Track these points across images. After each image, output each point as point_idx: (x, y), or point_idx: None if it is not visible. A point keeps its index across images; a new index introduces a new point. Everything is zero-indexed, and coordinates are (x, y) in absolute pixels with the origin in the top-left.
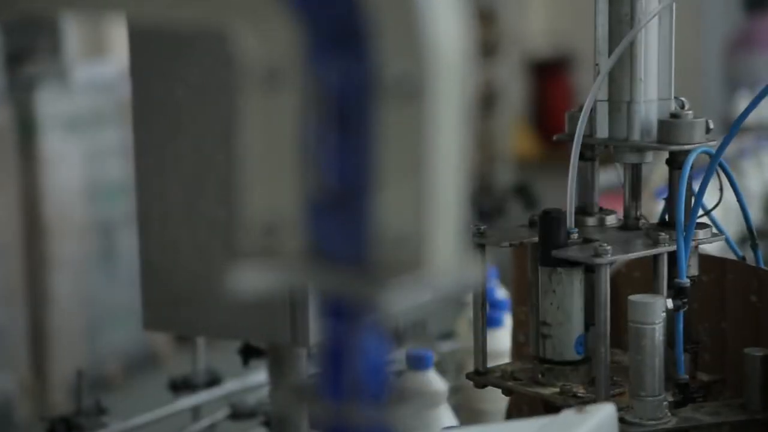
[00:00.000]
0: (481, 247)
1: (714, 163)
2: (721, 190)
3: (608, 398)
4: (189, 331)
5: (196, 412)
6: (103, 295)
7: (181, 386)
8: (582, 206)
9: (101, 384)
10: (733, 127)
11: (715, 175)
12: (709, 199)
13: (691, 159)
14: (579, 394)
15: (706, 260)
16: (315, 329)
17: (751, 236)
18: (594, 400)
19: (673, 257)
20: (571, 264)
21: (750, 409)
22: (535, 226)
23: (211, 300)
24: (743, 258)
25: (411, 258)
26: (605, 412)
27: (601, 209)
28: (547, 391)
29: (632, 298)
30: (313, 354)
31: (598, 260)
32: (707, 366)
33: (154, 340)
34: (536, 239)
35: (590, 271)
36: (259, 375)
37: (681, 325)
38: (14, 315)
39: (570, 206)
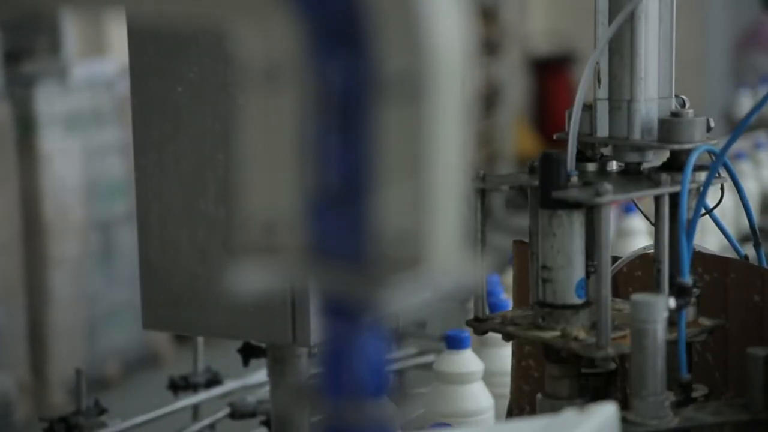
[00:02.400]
0: (481, 191)
1: (718, 163)
2: (722, 189)
3: (609, 341)
4: (189, 331)
5: (195, 411)
6: (103, 295)
7: (180, 386)
8: (583, 151)
9: (101, 384)
10: (738, 128)
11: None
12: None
13: (693, 158)
14: (580, 338)
15: (708, 259)
16: (315, 329)
17: (753, 235)
18: (595, 343)
19: (674, 199)
20: (572, 206)
21: (752, 409)
22: (536, 173)
23: (210, 299)
24: (746, 257)
25: (411, 256)
26: (607, 412)
27: (602, 155)
28: (548, 335)
29: (634, 297)
30: (314, 354)
31: (599, 200)
32: (709, 365)
33: (153, 340)
34: (536, 183)
35: (591, 214)
36: (259, 375)
37: (683, 325)
38: (13, 314)
39: (571, 147)
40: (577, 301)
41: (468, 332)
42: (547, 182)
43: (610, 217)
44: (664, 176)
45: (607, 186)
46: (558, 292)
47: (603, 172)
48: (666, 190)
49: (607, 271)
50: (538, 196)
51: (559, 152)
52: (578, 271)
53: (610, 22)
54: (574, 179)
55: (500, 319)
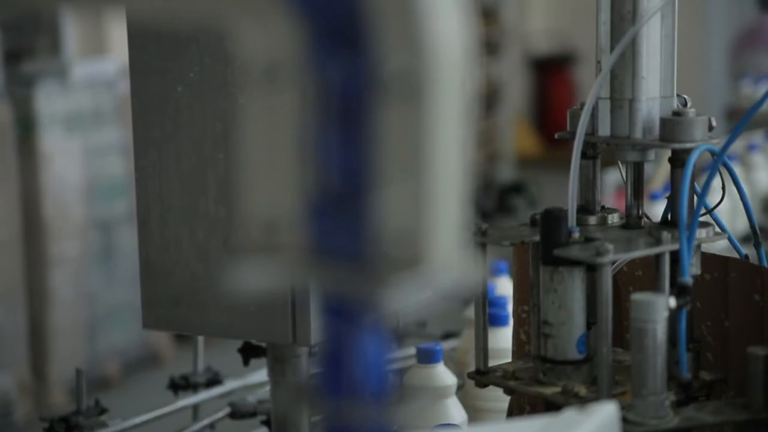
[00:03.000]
0: (483, 246)
1: (718, 162)
2: (723, 188)
3: (610, 398)
4: (189, 330)
5: (196, 411)
6: (103, 294)
7: (181, 385)
8: (584, 205)
9: (101, 383)
10: (737, 126)
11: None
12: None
13: (694, 157)
14: (581, 394)
15: (708, 259)
16: (316, 329)
17: (754, 235)
18: (596, 400)
19: (675, 256)
20: (573, 263)
21: (753, 408)
22: (537, 225)
23: (211, 299)
24: (746, 256)
25: (412, 256)
26: (607, 412)
27: (603, 207)
28: (549, 390)
29: (635, 296)
30: (314, 353)
31: (600, 259)
32: (710, 365)
33: (153, 339)
34: (538, 238)
35: (592, 270)
36: (259, 374)
37: (684, 324)
38: (13, 314)
39: (572, 205)
40: (578, 356)
41: (441, 345)
42: (548, 239)
43: (611, 275)
44: (665, 234)
45: (608, 245)
46: (559, 347)
47: (604, 226)
48: (667, 248)
49: (608, 327)
50: (540, 253)
51: (560, 209)
52: (579, 327)
53: (611, 21)
54: (576, 235)
55: (501, 373)
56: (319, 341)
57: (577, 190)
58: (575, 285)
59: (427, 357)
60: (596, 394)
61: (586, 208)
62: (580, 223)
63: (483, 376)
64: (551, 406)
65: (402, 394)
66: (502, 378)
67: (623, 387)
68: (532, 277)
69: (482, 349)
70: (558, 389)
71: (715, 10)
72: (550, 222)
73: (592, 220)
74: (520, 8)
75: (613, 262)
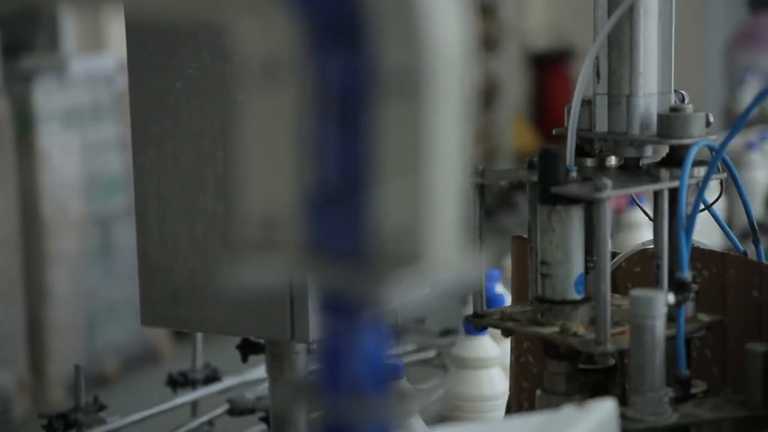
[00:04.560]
0: (480, 187)
1: (717, 158)
2: (721, 184)
3: (608, 337)
4: (187, 327)
5: (194, 408)
6: (101, 291)
7: (179, 382)
8: (582, 149)
9: (99, 380)
10: (737, 123)
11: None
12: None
13: (692, 153)
14: (579, 334)
15: (707, 255)
16: (314, 325)
17: (752, 231)
18: (594, 339)
19: (674, 194)
20: (571, 201)
21: (751, 405)
22: (535, 168)
23: (209, 296)
24: (745, 253)
25: (410, 252)
26: (606, 408)
27: (601, 150)
28: (547, 330)
29: (634, 293)
30: (313, 350)
31: (598, 195)
32: (708, 362)
33: (152, 336)
34: (536, 179)
35: (591, 209)
36: (257, 371)
37: (683, 321)
38: (12, 311)
39: (570, 143)
40: (576, 296)
41: None
42: (546, 177)
43: (609, 212)
44: (663, 171)
45: (606, 181)
46: (557, 287)
47: (602, 168)
48: (665, 185)
49: (607, 266)
50: (537, 192)
51: (558, 147)
52: (577, 267)
53: (609, 17)
54: (573, 174)
55: (499, 315)
56: (318, 338)
57: (576, 129)
58: (573, 224)
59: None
60: (595, 334)
61: (584, 152)
62: (578, 164)
63: (480, 318)
64: (549, 346)
65: (400, 391)
66: (500, 320)
67: (621, 327)
68: (529, 219)
69: (479, 292)
70: (556, 329)
71: (713, 9)
72: (548, 160)
73: (590, 162)
74: (518, 4)
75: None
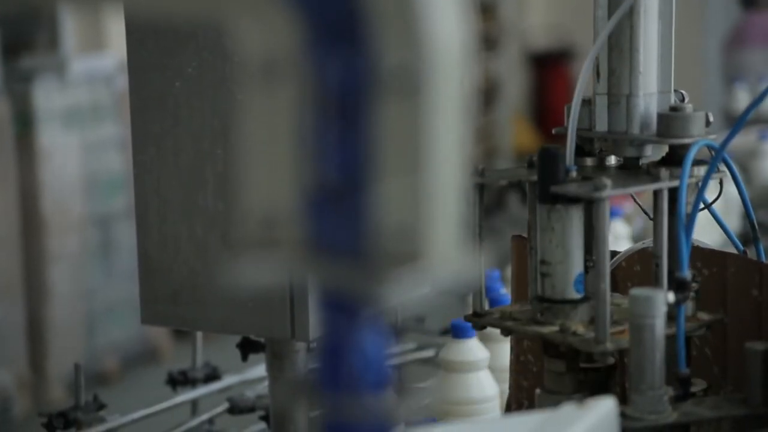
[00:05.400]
0: (480, 186)
1: (718, 158)
2: (720, 184)
3: (607, 336)
4: (187, 326)
5: (194, 406)
6: (101, 290)
7: (179, 381)
8: (581, 146)
9: (99, 379)
10: (738, 123)
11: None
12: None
13: (692, 152)
14: (578, 333)
15: (707, 254)
16: (314, 324)
17: (753, 230)
18: (594, 338)
19: (673, 194)
20: (570, 200)
21: (751, 403)
22: (534, 167)
23: (209, 294)
24: (745, 252)
25: (410, 251)
26: (606, 407)
27: (601, 150)
28: (546, 329)
29: (633, 291)
30: (313, 348)
31: (597, 194)
32: (708, 360)
33: (152, 335)
34: (535, 178)
35: (590, 210)
36: (257, 369)
37: (682, 320)
38: (12, 309)
39: (570, 143)
40: (576, 295)
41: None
42: (545, 177)
43: (608, 211)
44: (663, 171)
45: (606, 180)
46: (557, 286)
47: (602, 167)
48: (665, 184)
49: (606, 265)
50: (537, 191)
51: (558, 147)
52: (577, 266)
53: (609, 17)
54: (573, 174)
55: (499, 314)
56: (318, 336)
57: (576, 128)
58: (573, 223)
59: (461, 332)
60: (594, 333)
61: (583, 151)
62: (578, 164)
63: (480, 318)
64: (549, 345)
65: (400, 390)
66: (500, 319)
67: (621, 327)
68: (529, 219)
69: (479, 291)
70: (556, 328)
71: (713, 8)
72: (548, 159)
73: (590, 161)
74: (518, 4)
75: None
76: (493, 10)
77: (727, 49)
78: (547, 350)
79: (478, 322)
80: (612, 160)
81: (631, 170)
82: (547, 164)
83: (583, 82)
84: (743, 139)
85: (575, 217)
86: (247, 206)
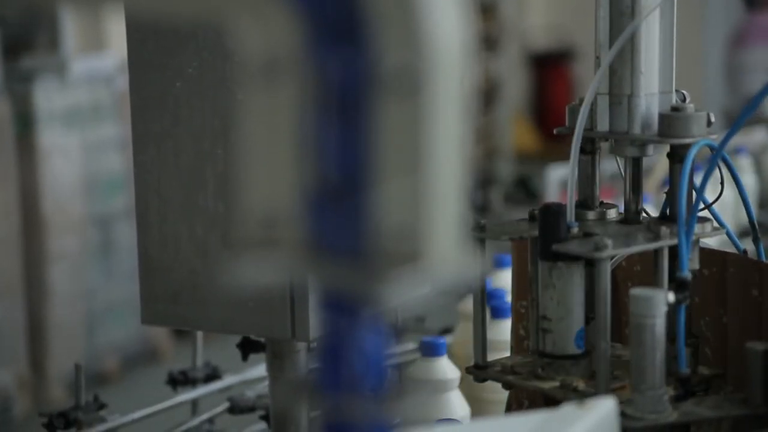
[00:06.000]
0: (481, 241)
1: (716, 157)
2: (722, 183)
3: (608, 392)
4: (188, 326)
5: (195, 406)
6: (102, 290)
7: (179, 381)
8: (583, 200)
9: (100, 379)
10: (736, 123)
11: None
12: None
13: (692, 153)
14: (579, 389)
15: (707, 254)
16: (314, 324)
17: (753, 230)
18: (594, 395)
19: (674, 251)
20: (572, 258)
21: (751, 403)
22: (536, 220)
23: (210, 294)
24: (745, 252)
25: (410, 251)
26: (606, 406)
27: (601, 203)
28: (547, 385)
29: (633, 291)
30: (313, 348)
31: (598, 254)
32: (708, 360)
33: (152, 335)
34: (536, 233)
35: (591, 265)
36: (258, 369)
37: (683, 319)
38: (12, 309)
39: (570, 200)
40: (577, 351)
41: (444, 339)
42: (546, 234)
43: (609, 270)
44: (664, 229)
45: (607, 240)
46: (557, 342)
47: (603, 221)
48: (665, 243)
49: (606, 323)
50: (538, 248)
51: (558, 204)
52: (578, 322)
53: (610, 16)
54: (575, 230)
55: (500, 367)
56: (318, 336)
57: (575, 185)
58: (574, 280)
59: (430, 350)
60: (595, 389)
61: (584, 204)
62: (579, 218)
63: (482, 370)
64: (550, 400)
65: (401, 389)
66: (501, 373)
67: (621, 381)
68: (530, 272)
69: (481, 343)
70: (556, 384)
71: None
72: (549, 217)
73: (591, 215)
74: (518, 4)
75: (612, 257)
76: (494, 10)
77: (730, 48)
78: (549, 405)
79: (479, 374)
80: (613, 213)
81: (632, 225)
82: (548, 222)
83: (592, 92)
84: (759, 135)
85: (576, 274)
86: (248, 206)
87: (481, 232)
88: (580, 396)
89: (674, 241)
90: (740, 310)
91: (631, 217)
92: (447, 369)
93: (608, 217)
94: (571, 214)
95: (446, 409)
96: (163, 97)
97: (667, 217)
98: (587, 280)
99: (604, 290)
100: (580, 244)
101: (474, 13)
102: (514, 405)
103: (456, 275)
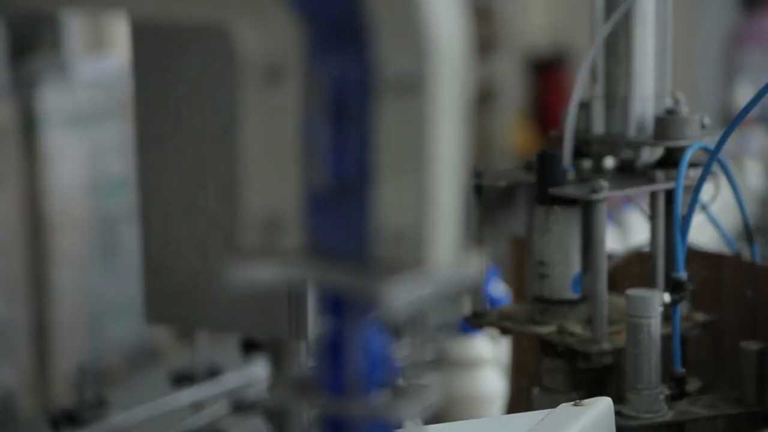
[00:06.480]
0: (479, 188)
1: (712, 159)
2: (730, 180)
3: (604, 336)
4: (190, 325)
5: (196, 405)
6: (105, 290)
7: (181, 379)
8: (579, 150)
9: (103, 377)
10: (731, 124)
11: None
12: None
13: (688, 155)
14: (576, 333)
15: (702, 255)
16: (314, 324)
17: (747, 231)
18: (591, 338)
19: (669, 196)
20: (568, 202)
21: (745, 402)
22: (533, 169)
23: (211, 294)
24: (739, 253)
25: (411, 253)
26: (602, 406)
27: (598, 152)
28: (544, 329)
29: (630, 292)
30: (313, 348)
31: (594, 196)
32: (704, 360)
33: (155, 334)
34: (533, 180)
35: (588, 211)
36: (259, 368)
37: (678, 319)
38: (17, 309)
39: (567, 144)
40: (574, 296)
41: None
42: (543, 179)
43: (605, 213)
44: (659, 173)
45: (603, 182)
46: (554, 287)
47: (599, 169)
48: (661, 186)
49: (603, 266)
50: (535, 193)
51: (555, 149)
52: (574, 267)
53: (606, 20)
54: (571, 176)
55: (497, 315)
56: (318, 336)
57: (573, 132)
58: (570, 224)
59: (467, 328)
60: (591, 333)
61: (582, 152)
62: (575, 166)
63: (479, 318)
64: (547, 345)
65: (400, 390)
66: (498, 319)
67: (618, 326)
68: (527, 220)
69: (478, 291)
70: (553, 328)
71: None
72: (546, 161)
73: (587, 163)
74: (517, 7)
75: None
76: (492, 12)
77: (726, 50)
78: (545, 350)
79: (477, 321)
80: (609, 162)
81: (628, 172)
82: (545, 166)
83: (581, 83)
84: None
85: (573, 219)
86: (249, 208)
87: (478, 178)
88: (577, 340)
89: (670, 185)
90: (735, 310)
91: (627, 164)
92: (483, 347)
93: (604, 164)
94: (567, 160)
95: (484, 385)
96: (166, 99)
97: (663, 162)
98: (584, 224)
99: (600, 233)
100: (576, 188)
101: (472, 16)
102: (513, 405)
103: (456, 277)
